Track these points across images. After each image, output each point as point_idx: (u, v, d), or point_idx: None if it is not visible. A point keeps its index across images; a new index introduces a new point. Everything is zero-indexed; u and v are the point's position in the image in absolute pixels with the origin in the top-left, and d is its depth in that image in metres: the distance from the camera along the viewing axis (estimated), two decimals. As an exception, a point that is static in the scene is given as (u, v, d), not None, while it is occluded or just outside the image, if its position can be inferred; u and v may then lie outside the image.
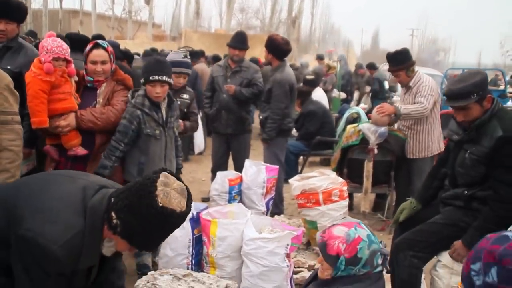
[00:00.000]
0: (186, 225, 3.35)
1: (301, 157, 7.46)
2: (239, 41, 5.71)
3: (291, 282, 3.26)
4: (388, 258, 2.29)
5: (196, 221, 3.42)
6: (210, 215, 3.45)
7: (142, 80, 3.55)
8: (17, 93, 2.80)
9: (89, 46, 3.57)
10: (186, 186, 1.96)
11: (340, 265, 2.16)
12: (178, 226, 1.95)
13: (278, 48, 5.43)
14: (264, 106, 5.64)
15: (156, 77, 3.47)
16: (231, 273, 3.32)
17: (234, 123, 5.70)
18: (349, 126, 5.35)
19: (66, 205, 1.92)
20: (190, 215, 3.35)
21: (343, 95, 11.37)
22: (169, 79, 3.56)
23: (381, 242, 2.29)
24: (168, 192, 1.84)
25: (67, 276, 1.93)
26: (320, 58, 14.26)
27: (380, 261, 2.22)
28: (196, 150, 8.50)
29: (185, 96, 4.56)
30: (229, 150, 5.96)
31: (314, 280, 2.44)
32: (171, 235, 3.29)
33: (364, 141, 5.09)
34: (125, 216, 1.84)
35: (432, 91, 4.82)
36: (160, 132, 3.57)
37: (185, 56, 4.61)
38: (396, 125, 5.17)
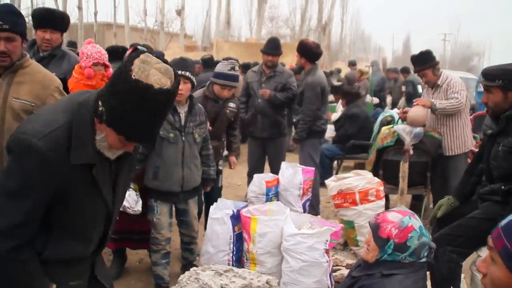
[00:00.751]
0: (227, 222, 3.46)
1: (336, 162, 7.51)
2: (272, 47, 5.84)
3: (331, 278, 3.32)
4: (433, 252, 2.33)
5: (237, 219, 3.51)
6: (250, 213, 3.55)
7: None
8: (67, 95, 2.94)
9: (129, 51, 3.77)
10: (175, 71, 1.83)
11: (388, 248, 2.23)
12: (160, 106, 1.76)
13: (309, 52, 5.60)
14: (297, 109, 5.77)
15: (180, 72, 3.38)
16: (271, 269, 3.40)
17: (269, 127, 5.82)
18: (384, 128, 5.38)
19: (53, 107, 1.95)
20: (230, 212, 3.50)
21: (376, 100, 11.33)
22: (191, 76, 3.60)
23: None
24: (145, 68, 1.73)
25: (59, 184, 1.83)
26: (352, 64, 14.27)
27: (426, 254, 2.27)
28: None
29: (232, 105, 4.74)
30: (265, 154, 6.08)
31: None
32: (212, 231, 3.47)
33: (399, 142, 5.12)
34: (107, 99, 1.76)
35: (463, 86, 4.89)
36: (175, 136, 3.59)
37: (232, 69, 4.57)
38: (429, 123, 5.16)
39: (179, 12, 22.58)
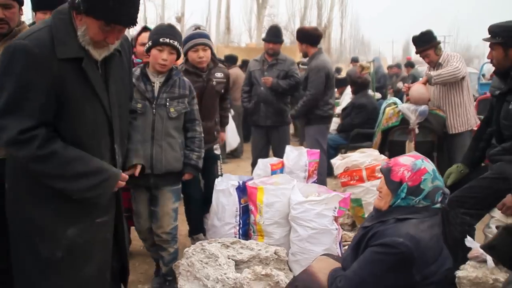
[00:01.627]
0: (233, 193, 3.39)
1: (341, 152, 7.43)
2: (274, 34, 5.81)
3: (340, 247, 3.25)
4: (448, 197, 2.26)
5: (243, 191, 3.45)
6: (256, 184, 3.48)
7: (148, 44, 3.20)
8: None
9: (138, 30, 3.75)
10: None
11: (401, 192, 2.16)
12: None
13: (309, 35, 5.65)
14: (302, 95, 5.74)
15: (167, 40, 3.11)
16: (279, 240, 3.33)
17: (273, 115, 5.76)
18: (388, 108, 5.31)
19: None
20: (236, 184, 3.43)
21: (378, 95, 11.27)
22: (179, 47, 3.22)
23: None
24: None
25: (53, 83, 1.91)
26: (354, 60, 14.23)
27: (440, 199, 2.20)
28: (228, 148, 8.51)
29: (219, 74, 4.05)
30: (269, 143, 6.02)
31: None
32: (218, 204, 3.41)
33: (404, 121, 5.05)
34: None
35: (462, 59, 4.82)
36: (143, 107, 3.13)
37: (197, 28, 3.95)
38: (432, 102, 5.10)
39: (179, 19, 22.66)
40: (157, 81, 3.23)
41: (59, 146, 1.96)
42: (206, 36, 3.90)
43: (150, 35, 3.25)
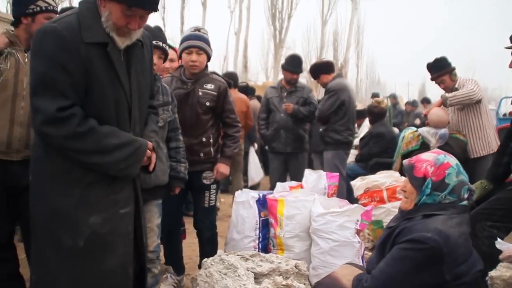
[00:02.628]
0: (253, 205, 3.35)
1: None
2: (295, 65, 5.89)
3: (363, 261, 3.16)
4: (474, 196, 2.20)
5: (263, 204, 3.41)
6: (276, 197, 3.44)
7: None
8: None
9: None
10: None
11: (426, 188, 2.11)
12: None
13: (320, 65, 5.82)
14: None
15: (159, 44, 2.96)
16: (300, 254, 3.26)
17: (293, 142, 5.78)
18: (407, 132, 5.28)
19: None
20: (256, 196, 3.39)
21: (396, 130, 11.26)
22: (164, 46, 3.05)
23: None
24: None
25: (81, 65, 1.96)
26: (375, 95, 14.21)
27: (466, 195, 2.15)
28: (250, 183, 8.46)
29: (209, 85, 3.57)
30: (287, 170, 6.00)
31: None
32: (238, 216, 3.37)
33: (424, 145, 4.99)
34: None
35: (477, 83, 4.81)
36: None
37: (197, 30, 3.64)
38: (451, 127, 5.06)
39: (197, 58, 23.13)
40: None
41: (95, 122, 2.01)
42: (205, 40, 3.58)
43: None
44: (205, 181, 3.56)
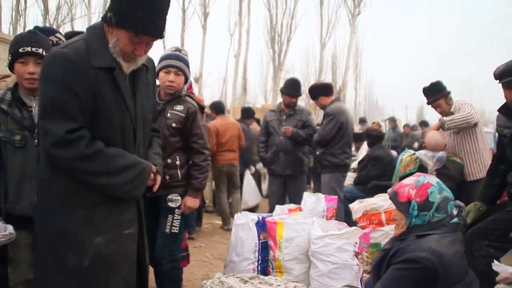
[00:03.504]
0: (253, 228, 3.40)
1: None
2: (294, 89, 5.98)
3: (361, 283, 3.19)
4: (463, 212, 2.26)
5: (262, 227, 3.45)
6: (275, 219, 3.48)
7: (8, 58, 2.65)
8: None
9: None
10: None
11: (413, 211, 2.17)
12: None
13: (319, 87, 5.87)
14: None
15: (29, 49, 2.57)
16: (299, 277, 3.29)
17: (292, 164, 5.83)
18: (405, 155, 5.33)
19: None
20: (255, 219, 3.43)
21: (394, 153, 11.32)
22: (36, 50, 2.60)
23: None
24: None
25: (89, 90, 2.03)
26: (362, 121, 14.34)
27: (455, 212, 2.21)
28: (243, 206, 8.30)
29: (178, 107, 3.36)
30: (285, 193, 6.04)
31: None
32: (237, 238, 3.40)
33: (422, 168, 5.04)
34: (112, 3, 2.04)
35: (473, 106, 4.85)
36: (23, 139, 2.55)
37: (177, 50, 3.52)
38: (447, 150, 5.12)
39: (197, 80, 23.33)
40: (34, 105, 2.61)
41: (102, 145, 2.08)
42: (184, 61, 3.46)
43: (9, 48, 2.70)
44: (170, 204, 3.27)
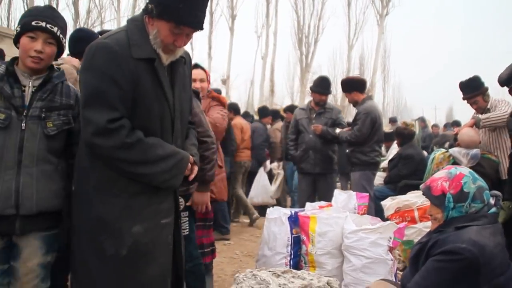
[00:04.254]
0: (285, 222, 3.39)
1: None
2: (324, 87, 5.96)
3: (396, 279, 3.15)
4: (501, 199, 2.21)
5: (295, 221, 3.44)
6: (308, 214, 3.46)
7: (16, 30, 2.37)
8: None
9: None
10: None
11: (449, 203, 2.14)
12: None
13: (355, 82, 5.81)
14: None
15: (43, 24, 2.30)
16: (332, 272, 3.27)
17: (321, 162, 5.81)
18: (438, 153, 5.25)
19: None
20: (288, 213, 3.42)
21: (424, 153, 11.17)
22: (61, 36, 2.39)
23: None
24: None
25: (130, 80, 2.06)
26: (393, 121, 14.13)
27: (492, 201, 2.16)
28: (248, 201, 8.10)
29: None
30: (315, 191, 6.01)
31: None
32: (269, 233, 3.40)
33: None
34: None
35: (510, 105, 4.70)
36: (7, 118, 2.25)
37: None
38: (482, 148, 5.01)
39: (224, 81, 23.48)
40: (29, 85, 2.35)
41: (141, 134, 2.11)
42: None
43: (20, 19, 2.42)
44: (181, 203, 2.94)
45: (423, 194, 2.30)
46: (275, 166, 8.39)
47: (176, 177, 2.20)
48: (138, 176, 2.12)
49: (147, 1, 2.14)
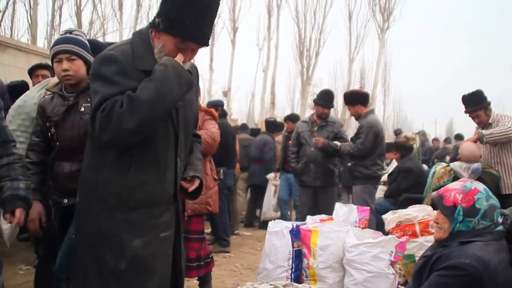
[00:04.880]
0: (287, 235, 3.38)
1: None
2: (327, 100, 5.99)
3: (397, 293, 3.15)
4: (509, 220, 2.21)
5: (296, 234, 3.43)
6: (310, 227, 3.46)
7: None
8: None
9: None
10: None
11: (458, 216, 2.13)
12: (206, 1, 2.06)
13: (359, 95, 5.80)
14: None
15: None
16: (333, 286, 3.26)
17: (322, 175, 5.81)
18: (439, 167, 5.26)
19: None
20: (290, 226, 3.42)
21: (425, 166, 11.17)
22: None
23: None
24: None
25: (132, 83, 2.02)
26: (398, 133, 14.15)
27: (500, 220, 2.16)
28: (262, 217, 8.15)
29: None
30: (316, 204, 6.00)
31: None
32: (271, 246, 3.39)
33: (456, 180, 4.96)
34: (161, 10, 2.09)
35: None
36: None
37: (67, 33, 2.94)
38: (483, 162, 5.01)
39: (226, 93, 23.52)
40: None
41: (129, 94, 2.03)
42: (76, 42, 2.87)
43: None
44: None
45: (433, 201, 2.30)
46: (272, 177, 8.18)
47: (186, 80, 2.10)
48: (166, 111, 2.07)
49: (155, 15, 2.15)
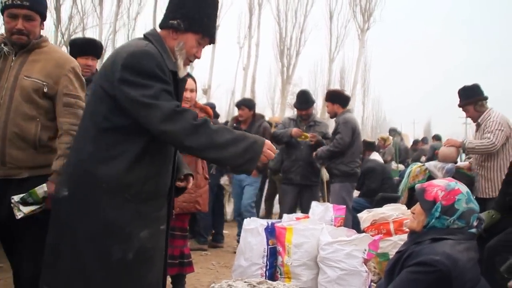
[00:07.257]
0: (262, 233, 3.39)
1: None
2: (303, 102, 6.03)
3: (370, 291, 3.18)
4: (483, 225, 2.25)
5: (271, 232, 3.44)
6: (284, 225, 3.48)
7: None
8: (83, 79, 2.79)
9: None
10: None
11: (435, 211, 2.17)
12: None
13: (340, 96, 5.82)
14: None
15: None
16: (307, 283, 3.28)
17: (310, 174, 5.86)
18: (414, 166, 5.36)
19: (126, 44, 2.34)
20: (265, 224, 3.43)
21: (401, 167, 11.27)
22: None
23: None
24: None
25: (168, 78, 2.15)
26: (393, 131, 14.11)
27: (475, 223, 2.20)
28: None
29: None
30: (297, 203, 6.03)
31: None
32: (246, 244, 3.40)
33: (431, 179, 5.03)
34: (176, 12, 2.24)
35: (501, 126, 4.52)
36: None
37: None
38: (462, 161, 5.08)
39: (205, 91, 23.43)
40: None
41: (208, 119, 2.16)
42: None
43: None
44: None
45: (415, 194, 2.34)
46: (226, 181, 6.92)
47: (250, 162, 2.13)
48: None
49: (169, 17, 2.26)
